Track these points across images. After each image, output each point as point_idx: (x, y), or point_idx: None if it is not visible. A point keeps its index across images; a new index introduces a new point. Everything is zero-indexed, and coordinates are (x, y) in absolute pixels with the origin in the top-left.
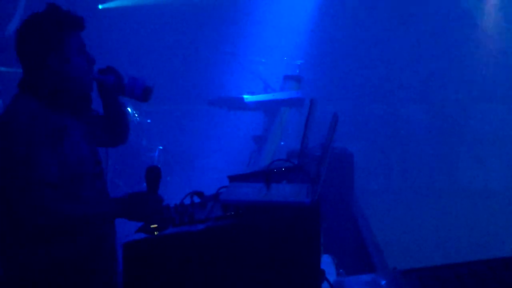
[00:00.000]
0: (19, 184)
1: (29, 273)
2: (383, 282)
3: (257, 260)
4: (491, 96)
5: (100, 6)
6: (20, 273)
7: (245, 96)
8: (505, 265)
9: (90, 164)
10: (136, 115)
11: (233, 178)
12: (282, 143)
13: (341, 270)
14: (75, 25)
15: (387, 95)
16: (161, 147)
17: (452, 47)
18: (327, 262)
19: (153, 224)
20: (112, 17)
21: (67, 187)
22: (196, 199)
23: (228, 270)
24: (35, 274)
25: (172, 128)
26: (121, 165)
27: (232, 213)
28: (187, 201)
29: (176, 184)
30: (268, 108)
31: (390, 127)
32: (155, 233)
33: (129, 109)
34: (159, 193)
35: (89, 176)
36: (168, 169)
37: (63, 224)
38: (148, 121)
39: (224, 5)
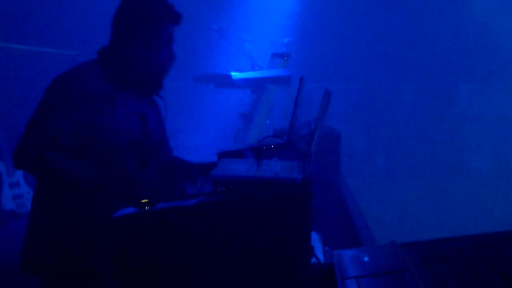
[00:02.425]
0: (29, 125)
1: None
2: (380, 255)
3: (247, 236)
4: (477, 76)
5: None
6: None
7: (232, 73)
8: (506, 239)
9: (126, 140)
10: None
11: (222, 155)
12: (267, 121)
13: (326, 247)
14: (172, 19)
15: (373, 74)
16: None
17: (440, 27)
18: (313, 239)
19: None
20: None
21: (86, 153)
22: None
23: (219, 245)
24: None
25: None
26: None
27: (223, 188)
28: None
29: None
30: (256, 86)
31: (376, 107)
32: (146, 207)
33: None
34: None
35: (123, 153)
36: None
37: (46, 173)
38: None
39: None
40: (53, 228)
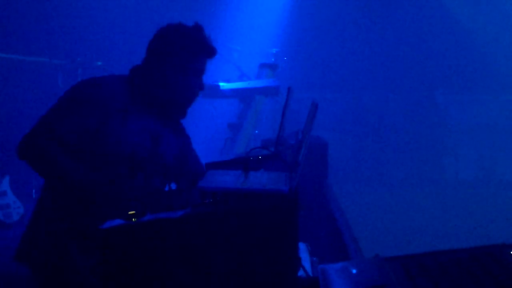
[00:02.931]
0: (40, 120)
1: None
2: (364, 269)
3: (234, 248)
4: (462, 87)
5: None
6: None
7: (221, 84)
8: (489, 254)
9: (133, 153)
10: None
11: (209, 166)
12: (256, 131)
13: (314, 258)
14: (206, 52)
15: (360, 85)
16: None
17: (425, 37)
18: (301, 250)
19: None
20: (87, 1)
21: (87, 157)
22: (173, 186)
23: (206, 257)
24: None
25: None
26: None
27: (210, 200)
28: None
29: None
30: (244, 96)
31: (363, 117)
32: (133, 219)
33: None
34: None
35: (121, 165)
36: None
37: (44, 167)
38: None
39: None
40: (51, 226)
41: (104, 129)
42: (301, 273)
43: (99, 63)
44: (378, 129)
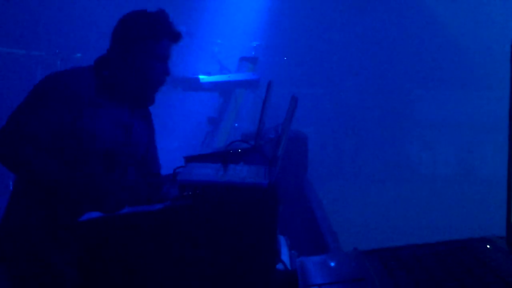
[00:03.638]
0: (10, 119)
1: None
2: (343, 262)
3: (213, 241)
4: (440, 83)
5: None
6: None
7: (200, 77)
8: (465, 247)
9: (109, 146)
10: None
11: (189, 159)
12: (236, 124)
13: (293, 251)
14: (171, 36)
15: (340, 80)
16: None
17: (403, 34)
18: (279, 243)
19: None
20: None
21: (61, 153)
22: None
23: (184, 250)
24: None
25: None
26: None
27: (189, 193)
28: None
29: None
30: (224, 89)
31: (342, 112)
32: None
33: None
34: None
35: (96, 159)
36: None
37: (18, 167)
38: None
39: None
40: (24, 219)
41: (77, 125)
42: (279, 266)
43: (79, 54)
44: (357, 124)
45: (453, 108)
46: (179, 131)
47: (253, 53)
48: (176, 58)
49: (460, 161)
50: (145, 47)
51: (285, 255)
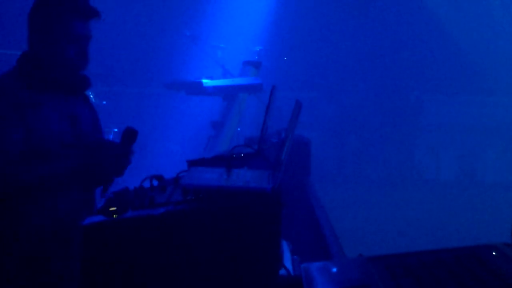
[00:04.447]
0: None
1: None
2: (348, 268)
3: (216, 246)
4: (444, 87)
5: None
6: None
7: (204, 81)
8: (472, 254)
9: (59, 143)
10: (91, 96)
11: (192, 163)
12: (239, 129)
13: (295, 256)
14: (79, 12)
15: (343, 84)
16: (116, 130)
17: (407, 38)
18: (282, 248)
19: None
20: None
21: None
22: (155, 183)
23: (187, 254)
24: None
25: (128, 110)
26: None
27: (193, 197)
28: (147, 184)
29: (131, 167)
30: (227, 93)
31: (345, 116)
32: (114, 216)
33: None
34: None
35: (55, 155)
36: None
37: (21, 188)
38: (104, 102)
39: None
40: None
41: (28, 130)
42: (282, 271)
43: None
44: (360, 129)
45: (457, 113)
46: (182, 135)
47: (256, 57)
48: (179, 61)
49: (464, 166)
50: (60, 30)
51: (287, 260)
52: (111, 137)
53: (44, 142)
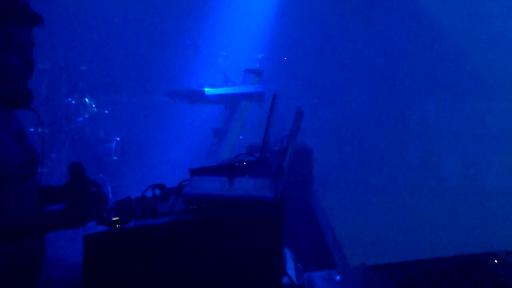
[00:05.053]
0: None
1: None
2: (350, 277)
3: (220, 254)
4: (448, 93)
5: None
6: None
7: (206, 89)
8: (474, 262)
9: (18, 165)
10: (94, 105)
11: (194, 171)
12: (240, 136)
13: (298, 264)
14: (18, 19)
15: (345, 91)
16: (118, 138)
17: (411, 44)
18: (285, 256)
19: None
20: (71, 7)
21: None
22: (157, 192)
23: (190, 264)
24: None
25: (130, 119)
26: (77, 156)
27: (195, 207)
28: (149, 193)
29: (133, 175)
30: (229, 102)
31: (348, 123)
32: (117, 225)
33: (86, 99)
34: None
35: (15, 179)
36: (125, 161)
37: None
38: (106, 111)
39: None
40: None
41: None
42: (285, 279)
43: (84, 67)
44: (362, 135)
45: (461, 119)
46: (183, 143)
47: (257, 65)
48: (181, 70)
49: (467, 172)
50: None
51: (290, 268)
52: (113, 145)
53: (2, 168)
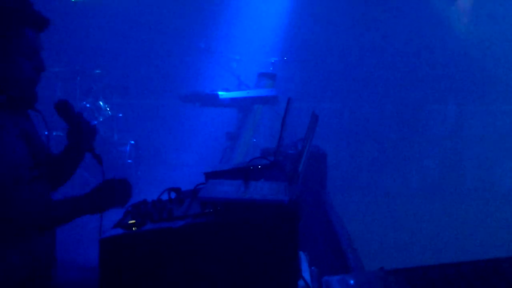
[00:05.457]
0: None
1: None
2: (369, 282)
3: (235, 258)
4: (457, 96)
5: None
6: None
7: (220, 93)
8: (493, 267)
9: (26, 167)
10: (108, 109)
11: (209, 175)
12: (254, 140)
13: (313, 268)
14: (30, 23)
15: (359, 95)
16: (132, 142)
17: (425, 49)
18: (300, 259)
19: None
20: (85, 11)
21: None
22: (173, 195)
23: (206, 267)
24: None
25: (144, 122)
26: (91, 159)
27: (211, 210)
28: (165, 196)
29: (146, 178)
30: (242, 105)
31: (362, 127)
32: (133, 228)
33: (101, 103)
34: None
35: (22, 181)
36: (139, 164)
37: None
38: (120, 115)
39: (200, 0)
40: None
41: None
42: (300, 282)
43: (98, 71)
44: (376, 139)
45: (475, 123)
46: (197, 146)
47: (271, 68)
48: (195, 73)
49: (481, 176)
50: (8, 45)
51: (305, 271)
52: (127, 149)
53: (8, 170)
